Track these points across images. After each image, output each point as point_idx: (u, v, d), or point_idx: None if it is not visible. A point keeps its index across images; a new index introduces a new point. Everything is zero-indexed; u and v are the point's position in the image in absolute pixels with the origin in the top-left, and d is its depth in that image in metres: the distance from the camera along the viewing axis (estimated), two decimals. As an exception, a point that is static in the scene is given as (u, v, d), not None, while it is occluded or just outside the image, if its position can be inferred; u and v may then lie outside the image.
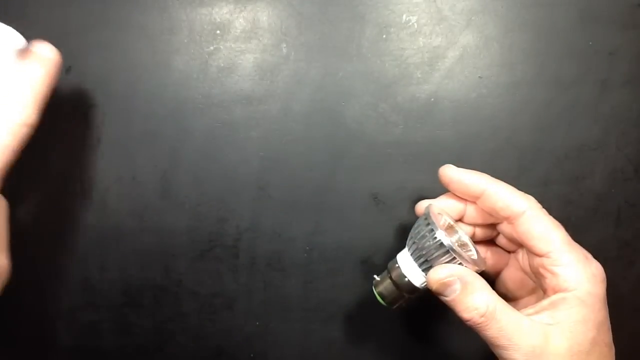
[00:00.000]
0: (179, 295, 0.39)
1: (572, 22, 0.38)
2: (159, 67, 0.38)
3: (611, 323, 0.29)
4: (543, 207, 0.31)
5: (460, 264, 0.29)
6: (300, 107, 0.38)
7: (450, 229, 0.33)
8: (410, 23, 0.38)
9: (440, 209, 0.32)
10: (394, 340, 0.40)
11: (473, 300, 0.27)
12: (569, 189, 0.38)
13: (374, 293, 0.33)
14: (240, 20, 0.38)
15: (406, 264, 0.31)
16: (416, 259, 0.30)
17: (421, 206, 0.33)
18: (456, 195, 0.32)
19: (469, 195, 0.31)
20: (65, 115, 0.38)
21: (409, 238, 0.32)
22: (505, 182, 0.32)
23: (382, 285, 0.33)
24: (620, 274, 0.39)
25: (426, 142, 0.38)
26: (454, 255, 0.28)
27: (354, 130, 0.38)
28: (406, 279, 0.31)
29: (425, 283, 0.30)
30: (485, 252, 0.34)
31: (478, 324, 0.27)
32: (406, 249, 0.32)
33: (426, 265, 0.30)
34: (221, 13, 0.38)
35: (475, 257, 0.31)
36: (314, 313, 0.39)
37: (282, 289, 0.39)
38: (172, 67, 0.38)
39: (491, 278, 0.34)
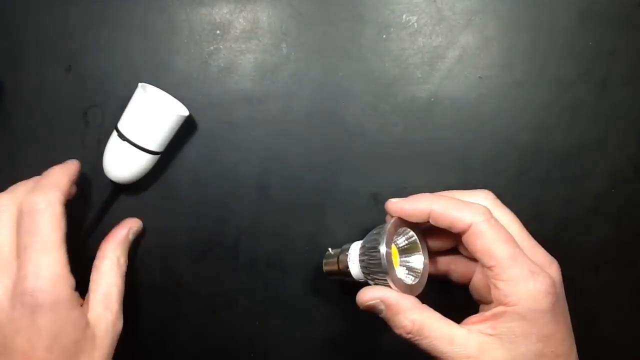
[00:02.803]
0: (179, 295, 0.39)
1: (572, 22, 0.38)
2: (159, 67, 0.38)
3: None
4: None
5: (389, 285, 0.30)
6: (300, 107, 0.38)
7: (411, 247, 0.33)
8: (410, 23, 0.38)
9: (411, 224, 0.32)
10: (394, 340, 0.39)
11: (398, 320, 0.29)
12: (569, 189, 0.38)
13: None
14: (240, 20, 0.38)
15: (353, 256, 0.33)
16: (360, 260, 0.32)
17: (390, 208, 0.32)
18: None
19: (419, 220, 0.31)
20: (65, 115, 0.38)
21: (367, 235, 0.32)
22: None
23: (329, 259, 0.36)
24: (620, 274, 0.39)
25: (426, 142, 0.38)
26: (386, 278, 0.30)
27: (354, 130, 0.38)
28: (348, 269, 0.33)
29: (362, 279, 0.32)
30: (450, 264, 0.34)
31: (407, 339, 0.29)
32: (361, 242, 0.33)
33: (365, 270, 0.32)
34: (221, 13, 0.38)
35: (413, 282, 0.32)
36: (314, 313, 0.39)
37: (282, 289, 0.39)
38: (172, 67, 0.38)
39: (463, 285, 0.34)
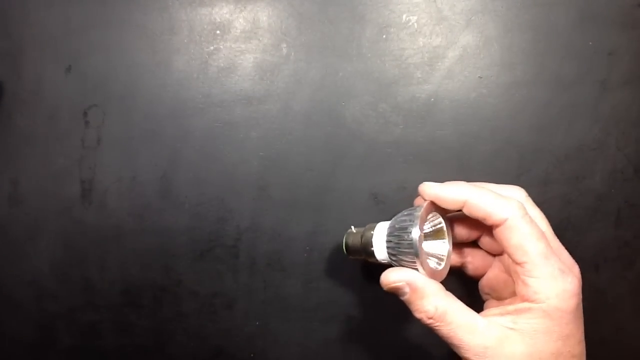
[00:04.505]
0: (179, 295, 0.39)
1: (572, 22, 0.38)
2: (159, 67, 0.38)
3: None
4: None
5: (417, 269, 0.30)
6: (300, 107, 0.38)
7: (437, 233, 0.33)
8: (410, 23, 0.38)
9: (441, 210, 0.32)
10: (394, 340, 0.39)
11: (422, 304, 0.29)
12: (569, 189, 0.38)
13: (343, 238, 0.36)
14: (240, 20, 0.38)
15: (379, 236, 0.32)
16: (387, 241, 0.31)
17: (425, 191, 0.32)
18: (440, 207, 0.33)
19: (453, 208, 0.31)
20: (65, 115, 0.38)
21: (395, 217, 0.32)
22: (504, 182, 0.32)
23: (351, 238, 0.35)
24: (620, 274, 0.39)
25: (426, 142, 0.38)
26: (415, 260, 0.29)
27: (354, 130, 0.38)
28: (372, 248, 0.32)
29: (385, 260, 0.32)
30: (467, 256, 0.34)
31: (427, 324, 0.29)
32: (388, 223, 0.32)
33: (392, 251, 0.31)
34: (221, 13, 0.38)
35: (439, 268, 0.32)
36: (314, 313, 0.39)
37: (282, 289, 0.39)
38: (172, 67, 0.38)
39: (476, 279, 0.35)
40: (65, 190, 0.39)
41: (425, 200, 0.32)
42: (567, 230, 0.39)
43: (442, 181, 0.31)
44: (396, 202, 0.38)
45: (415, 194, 0.33)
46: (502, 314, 0.29)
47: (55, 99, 0.38)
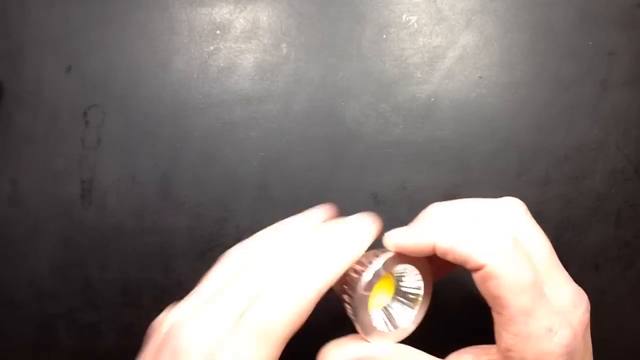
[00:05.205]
0: (179, 295, 0.39)
1: (572, 22, 0.38)
2: (159, 67, 0.38)
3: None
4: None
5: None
6: (300, 107, 0.38)
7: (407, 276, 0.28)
8: (410, 23, 0.38)
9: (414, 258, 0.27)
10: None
11: None
12: (569, 189, 0.38)
13: None
14: (240, 20, 0.38)
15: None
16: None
17: (386, 243, 0.27)
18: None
19: (424, 255, 0.26)
20: (65, 115, 0.38)
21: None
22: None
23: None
24: (620, 274, 0.39)
25: (426, 142, 0.38)
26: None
27: (354, 130, 0.38)
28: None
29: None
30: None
31: None
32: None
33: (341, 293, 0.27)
34: (221, 13, 0.38)
35: (391, 329, 0.27)
36: (314, 313, 0.39)
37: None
38: (172, 67, 0.38)
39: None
40: (65, 190, 0.39)
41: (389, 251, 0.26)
42: (567, 230, 0.39)
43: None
44: (396, 202, 0.38)
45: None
46: None
47: (55, 99, 0.38)
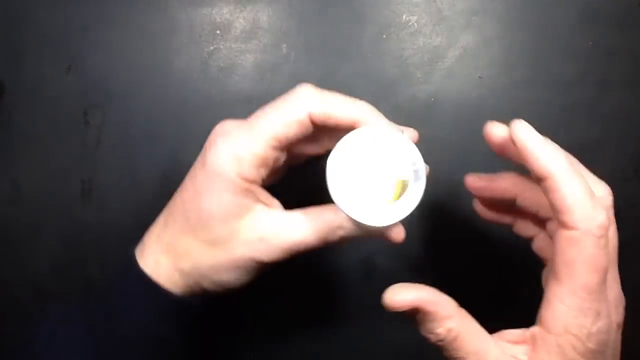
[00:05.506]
0: (179, 295, 0.39)
1: (572, 22, 0.38)
2: (159, 67, 0.38)
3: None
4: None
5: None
6: (300, 107, 0.38)
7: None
8: (410, 23, 0.38)
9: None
10: (394, 341, 0.39)
11: (432, 326, 0.26)
12: (569, 189, 0.38)
13: None
14: (240, 20, 0.38)
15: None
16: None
17: (472, 186, 0.32)
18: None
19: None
20: (65, 115, 0.38)
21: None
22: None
23: None
24: (620, 274, 0.39)
25: (426, 142, 0.38)
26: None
27: (354, 130, 0.38)
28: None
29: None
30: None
31: (435, 345, 0.26)
32: None
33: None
34: (221, 13, 0.38)
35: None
36: (314, 313, 0.39)
37: (282, 289, 0.39)
38: (172, 67, 0.38)
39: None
40: (65, 190, 0.39)
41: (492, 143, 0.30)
42: (567, 230, 0.39)
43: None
44: (396, 202, 0.38)
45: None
46: (516, 342, 0.26)
47: (55, 99, 0.38)
